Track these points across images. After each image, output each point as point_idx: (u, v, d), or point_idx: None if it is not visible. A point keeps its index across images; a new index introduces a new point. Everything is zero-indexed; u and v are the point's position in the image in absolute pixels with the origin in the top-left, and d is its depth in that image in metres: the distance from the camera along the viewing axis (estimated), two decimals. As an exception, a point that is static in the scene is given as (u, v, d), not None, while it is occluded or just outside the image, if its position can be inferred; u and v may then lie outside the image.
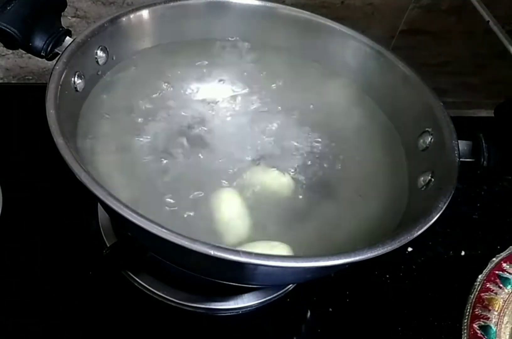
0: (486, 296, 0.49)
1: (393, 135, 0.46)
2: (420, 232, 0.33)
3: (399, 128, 0.46)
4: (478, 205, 0.60)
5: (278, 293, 0.49)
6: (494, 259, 0.53)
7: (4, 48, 0.59)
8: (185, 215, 0.39)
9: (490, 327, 0.47)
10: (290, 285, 0.50)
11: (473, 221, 0.59)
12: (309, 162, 0.44)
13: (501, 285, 0.50)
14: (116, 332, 0.46)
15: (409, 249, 0.54)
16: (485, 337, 0.46)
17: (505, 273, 0.51)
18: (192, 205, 0.39)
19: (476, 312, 0.48)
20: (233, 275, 0.38)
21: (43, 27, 0.41)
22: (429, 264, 0.53)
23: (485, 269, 0.52)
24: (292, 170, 0.44)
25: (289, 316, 0.49)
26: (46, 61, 0.42)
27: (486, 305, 0.49)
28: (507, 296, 0.50)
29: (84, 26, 0.63)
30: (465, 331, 0.47)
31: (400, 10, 0.66)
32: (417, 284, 0.52)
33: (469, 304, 0.49)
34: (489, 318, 0.48)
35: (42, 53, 0.41)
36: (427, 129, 0.43)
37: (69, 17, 0.61)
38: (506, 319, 0.48)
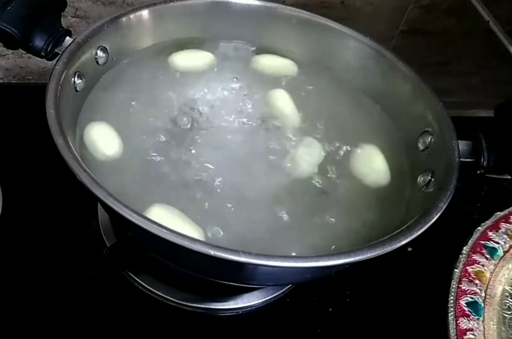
0: (472, 269, 0.46)
1: (393, 135, 0.46)
2: (420, 232, 0.33)
3: (399, 128, 0.46)
4: (478, 205, 0.60)
5: (278, 293, 0.50)
6: (479, 228, 0.49)
7: (4, 48, 0.59)
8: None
9: (478, 303, 0.45)
10: (290, 285, 0.50)
11: (473, 221, 0.59)
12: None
13: (487, 256, 0.47)
14: (116, 332, 0.46)
15: (409, 249, 0.54)
16: (473, 314, 0.44)
17: (491, 242, 0.48)
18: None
19: (463, 287, 0.45)
20: (233, 275, 0.38)
21: (43, 27, 0.41)
22: (429, 264, 0.53)
23: (470, 240, 0.48)
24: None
25: (289, 316, 0.49)
26: (46, 61, 0.42)
27: (473, 279, 0.46)
28: (494, 267, 0.47)
29: (84, 26, 0.63)
30: (452, 309, 0.44)
31: (400, 10, 0.66)
32: (417, 284, 0.52)
33: (455, 279, 0.46)
34: (476, 293, 0.45)
35: (42, 53, 0.41)
36: (427, 129, 0.43)
37: (69, 17, 0.62)
38: (494, 292, 0.46)
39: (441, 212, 0.35)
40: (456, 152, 0.39)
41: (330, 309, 0.50)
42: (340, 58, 0.50)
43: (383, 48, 0.47)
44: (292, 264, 0.30)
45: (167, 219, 0.35)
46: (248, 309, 0.49)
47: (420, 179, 0.41)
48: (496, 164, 0.40)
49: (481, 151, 0.40)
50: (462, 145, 0.40)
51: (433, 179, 0.39)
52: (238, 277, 0.39)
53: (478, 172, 0.40)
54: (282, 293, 0.50)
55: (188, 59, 0.49)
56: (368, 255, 0.31)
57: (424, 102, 0.43)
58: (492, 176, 0.41)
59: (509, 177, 0.40)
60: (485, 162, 0.40)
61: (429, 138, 0.42)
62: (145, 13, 0.46)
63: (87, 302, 0.46)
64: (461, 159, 0.39)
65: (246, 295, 0.49)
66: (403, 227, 0.34)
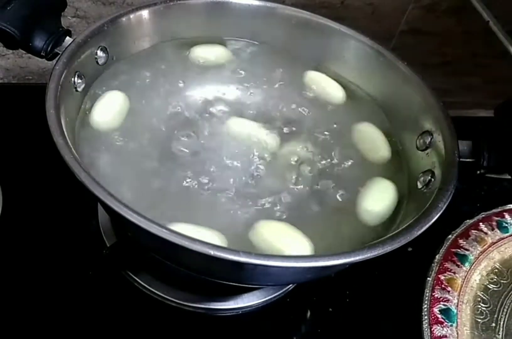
0: (444, 277, 0.47)
1: (393, 135, 0.46)
2: (420, 232, 0.33)
3: (399, 128, 0.46)
4: (478, 205, 0.60)
5: (278, 293, 0.50)
6: (449, 236, 0.50)
7: (4, 48, 0.59)
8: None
9: (451, 310, 0.45)
10: (290, 285, 0.50)
11: (473, 221, 0.59)
12: (307, 159, 0.44)
13: (458, 263, 0.48)
14: (116, 332, 0.46)
15: (409, 249, 0.54)
16: (446, 321, 0.45)
17: (462, 250, 0.49)
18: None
19: (436, 295, 0.46)
20: (233, 275, 0.38)
21: (43, 27, 0.41)
22: (429, 264, 0.53)
23: (442, 248, 0.49)
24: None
25: (289, 316, 0.49)
26: (46, 61, 0.42)
27: (445, 287, 0.47)
28: (465, 274, 0.47)
29: (84, 26, 0.63)
30: (426, 316, 0.45)
31: (400, 10, 0.66)
32: (417, 284, 0.52)
33: (428, 288, 0.47)
34: (449, 300, 0.46)
35: (42, 53, 0.41)
36: (427, 129, 0.43)
37: (69, 17, 0.62)
38: (466, 298, 0.47)
39: (441, 212, 0.35)
40: (456, 152, 0.39)
41: (330, 309, 0.50)
42: (340, 58, 0.50)
43: (383, 48, 0.47)
44: (292, 264, 0.30)
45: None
46: (248, 309, 0.49)
47: (420, 179, 0.41)
48: (496, 164, 0.40)
49: (481, 151, 0.40)
50: (462, 145, 0.40)
51: (433, 179, 0.39)
52: (238, 277, 0.39)
53: (478, 172, 0.40)
54: (282, 293, 0.50)
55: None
56: (368, 255, 0.31)
57: (424, 102, 0.43)
58: (492, 176, 0.41)
59: (509, 177, 0.40)
60: (485, 162, 0.40)
61: (429, 138, 0.42)
62: (145, 13, 0.46)
63: (87, 302, 0.46)
64: (461, 159, 0.39)
65: (246, 295, 0.49)
66: (403, 227, 0.34)
